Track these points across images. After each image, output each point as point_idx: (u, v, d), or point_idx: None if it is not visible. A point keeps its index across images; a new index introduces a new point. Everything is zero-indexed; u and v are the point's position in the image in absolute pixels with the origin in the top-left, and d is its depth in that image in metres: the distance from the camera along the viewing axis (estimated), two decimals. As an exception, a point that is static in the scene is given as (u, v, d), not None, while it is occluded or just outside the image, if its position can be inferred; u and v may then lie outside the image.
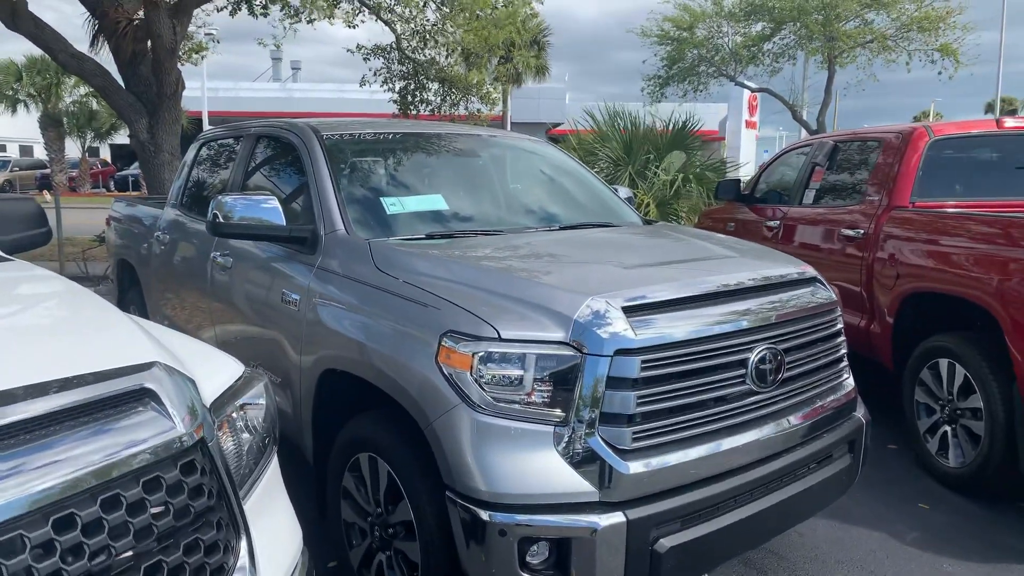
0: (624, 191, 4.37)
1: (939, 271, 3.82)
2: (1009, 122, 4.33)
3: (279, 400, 2.88)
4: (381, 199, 3.12)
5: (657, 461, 2.08)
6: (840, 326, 2.73)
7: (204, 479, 1.33)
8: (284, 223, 2.88)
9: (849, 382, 2.76)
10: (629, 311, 2.13)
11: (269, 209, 2.87)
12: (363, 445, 2.45)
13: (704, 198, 9.81)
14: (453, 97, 13.31)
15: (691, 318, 2.21)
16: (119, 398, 1.29)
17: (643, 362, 2.06)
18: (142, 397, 1.32)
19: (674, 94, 22.15)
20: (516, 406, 2.06)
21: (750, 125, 32.82)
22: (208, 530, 1.32)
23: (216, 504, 1.35)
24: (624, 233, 3.29)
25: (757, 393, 2.31)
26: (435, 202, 3.17)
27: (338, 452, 2.59)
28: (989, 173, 4.41)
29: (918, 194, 4.26)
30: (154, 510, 1.22)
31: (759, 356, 2.30)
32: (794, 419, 2.42)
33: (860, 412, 2.76)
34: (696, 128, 10.89)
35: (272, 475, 1.76)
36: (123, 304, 5.13)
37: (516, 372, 2.06)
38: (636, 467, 2.04)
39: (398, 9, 11.07)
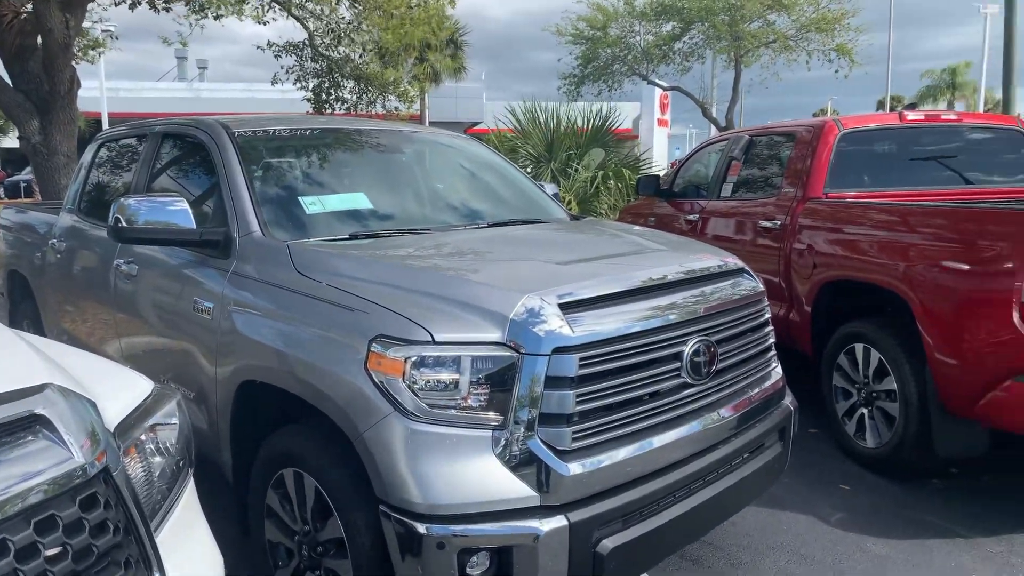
0: (551, 187, 4.34)
1: (852, 259, 3.96)
2: (911, 115, 4.55)
3: (193, 416, 2.69)
4: (300, 198, 2.96)
5: (597, 460, 2.04)
6: (767, 316, 2.77)
7: (108, 513, 1.19)
8: (194, 226, 2.69)
9: (778, 371, 2.80)
10: (565, 308, 2.08)
11: (177, 211, 2.67)
12: (287, 460, 2.31)
13: (624, 194, 9.97)
14: (370, 95, 13.05)
15: (627, 313, 2.18)
16: (5, 427, 1.13)
17: (581, 359, 2.01)
18: (32, 424, 1.16)
19: (589, 93, 22.48)
20: (452, 411, 1.97)
21: (662, 123, 33.63)
22: (115, 570, 1.17)
23: (123, 540, 1.21)
24: (553, 229, 3.25)
25: (692, 386, 2.31)
26: (358, 200, 3.04)
27: (260, 469, 2.43)
28: (894, 164, 4.61)
29: (830, 185, 4.42)
30: (49, 552, 1.07)
31: (693, 348, 2.29)
32: (728, 410, 2.43)
33: (788, 400, 2.82)
34: (615, 125, 11.06)
35: (189, 499, 1.62)
36: (15, 319, 4.74)
37: (451, 376, 1.98)
38: (576, 468, 1.99)
39: (310, 6, 10.73)
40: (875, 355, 3.76)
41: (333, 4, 10.53)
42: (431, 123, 30.08)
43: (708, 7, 19.36)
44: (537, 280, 2.22)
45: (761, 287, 2.78)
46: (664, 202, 6.36)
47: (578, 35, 21.57)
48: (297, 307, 2.33)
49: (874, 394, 3.78)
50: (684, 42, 21.48)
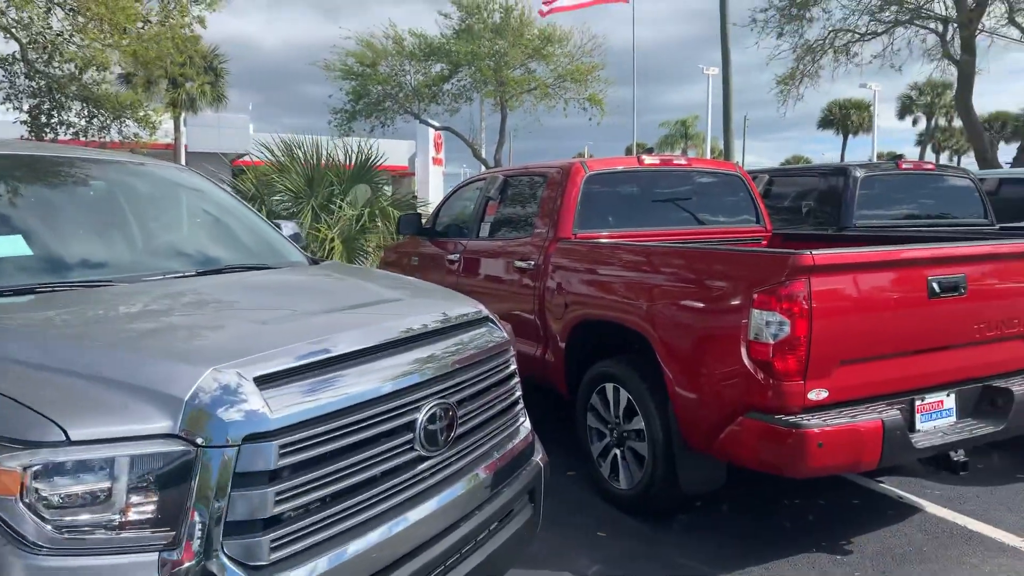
0: (289, 227, 3.89)
1: (599, 299, 4.00)
2: (648, 159, 4.78)
3: None
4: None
5: (311, 567, 1.66)
6: (514, 367, 2.59)
7: None
8: None
9: (526, 425, 2.62)
10: (264, 381, 1.69)
11: None
12: None
13: (392, 233, 9.67)
14: (101, 119, 11.50)
15: (346, 381, 1.83)
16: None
17: (283, 447, 1.63)
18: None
19: (362, 128, 22.12)
20: (101, 533, 1.48)
21: (437, 162, 34.38)
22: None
23: None
24: (279, 276, 2.83)
25: (428, 458, 2.02)
26: (11, 245, 2.38)
27: None
28: (636, 205, 4.81)
29: (579, 226, 4.47)
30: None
31: (428, 415, 2.01)
32: (471, 480, 2.18)
33: (538, 456, 2.64)
34: (380, 162, 10.75)
35: None
36: None
37: (100, 485, 1.49)
38: (281, 582, 1.59)
39: (12, 13, 9.18)
40: (624, 394, 3.79)
41: (44, 13, 9.09)
42: (189, 153, 27.74)
43: (474, 52, 20.01)
44: (232, 346, 1.81)
45: (506, 336, 2.59)
46: (427, 241, 6.16)
47: (347, 71, 21.18)
48: None
49: (625, 434, 3.80)
50: (453, 83, 21.98)
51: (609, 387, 3.90)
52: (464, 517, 2.12)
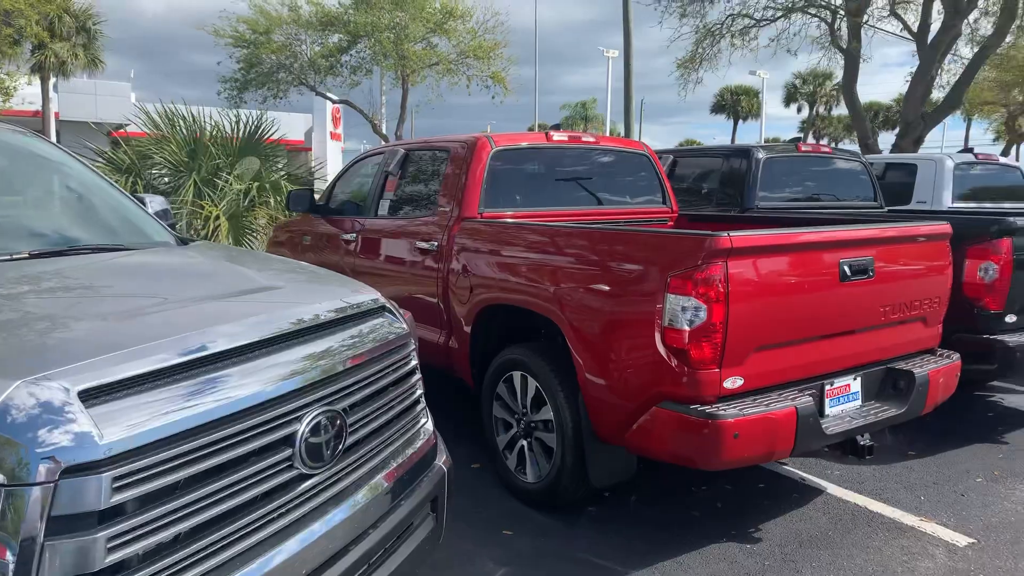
0: (158, 201, 3.43)
1: (507, 282, 3.77)
2: (556, 136, 4.57)
3: None
4: None
5: (158, 622, 1.34)
6: (415, 363, 2.31)
7: None
8: None
9: (428, 427, 2.36)
10: (94, 396, 1.34)
11: None
12: None
13: (284, 209, 9.08)
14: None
15: (205, 390, 1.51)
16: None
17: (118, 479, 1.30)
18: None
19: (254, 100, 20.92)
20: None
21: (335, 137, 33.10)
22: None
23: None
24: (136, 259, 2.41)
25: (312, 476, 1.72)
26: None
27: None
28: (543, 184, 4.60)
29: (485, 204, 4.22)
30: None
31: (311, 426, 1.71)
32: (365, 496, 1.90)
33: (441, 459, 2.38)
34: (270, 134, 10.05)
35: None
36: None
37: None
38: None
39: None
40: (532, 383, 3.58)
41: None
42: (61, 122, 25.51)
43: (374, 23, 19.24)
44: (56, 350, 1.44)
45: (405, 328, 2.30)
46: (321, 219, 5.74)
47: (239, 38, 19.93)
48: None
49: (532, 425, 3.61)
50: (351, 55, 21.11)
51: (516, 375, 3.68)
52: (356, 539, 1.84)
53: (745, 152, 6.09)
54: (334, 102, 25.03)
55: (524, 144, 4.50)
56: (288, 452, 1.65)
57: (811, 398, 3.04)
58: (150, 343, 1.51)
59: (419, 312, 4.32)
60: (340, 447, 1.80)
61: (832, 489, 3.88)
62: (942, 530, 3.43)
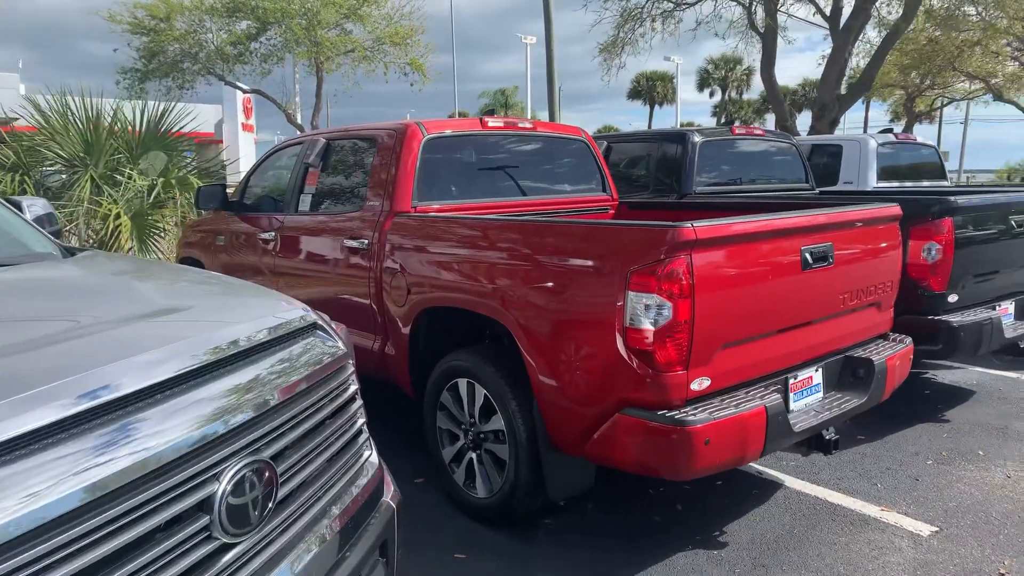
0: (39, 205, 2.97)
1: (447, 282, 3.46)
2: (491, 121, 4.27)
3: None
4: None
5: None
6: (355, 387, 1.99)
7: None
8: None
9: (372, 460, 2.04)
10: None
11: None
12: None
13: (194, 207, 8.44)
14: None
15: (87, 454, 1.16)
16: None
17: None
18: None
19: (157, 91, 19.66)
20: None
21: (247, 128, 31.65)
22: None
23: None
24: (3, 278, 1.99)
25: (236, 544, 1.39)
26: None
27: None
28: (479, 173, 4.30)
29: (419, 197, 3.89)
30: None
31: (232, 482, 1.38)
32: (304, 553, 1.58)
33: (389, 494, 2.08)
34: (177, 127, 9.33)
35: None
36: None
37: None
38: None
39: None
40: (480, 391, 3.30)
41: None
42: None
43: (284, 9, 18.38)
44: None
45: (342, 348, 1.97)
46: (236, 217, 5.27)
47: (137, 25, 18.66)
48: None
49: (482, 435, 3.33)
50: (261, 43, 20.13)
51: (462, 383, 3.39)
52: (294, 610, 1.52)
53: (681, 136, 5.95)
54: (245, 92, 23.89)
55: (458, 131, 4.18)
56: (204, 520, 1.32)
57: (778, 394, 2.88)
58: (12, 397, 1.14)
59: (350, 316, 3.96)
60: (270, 504, 1.47)
61: (790, 482, 3.77)
62: (904, 519, 3.35)
